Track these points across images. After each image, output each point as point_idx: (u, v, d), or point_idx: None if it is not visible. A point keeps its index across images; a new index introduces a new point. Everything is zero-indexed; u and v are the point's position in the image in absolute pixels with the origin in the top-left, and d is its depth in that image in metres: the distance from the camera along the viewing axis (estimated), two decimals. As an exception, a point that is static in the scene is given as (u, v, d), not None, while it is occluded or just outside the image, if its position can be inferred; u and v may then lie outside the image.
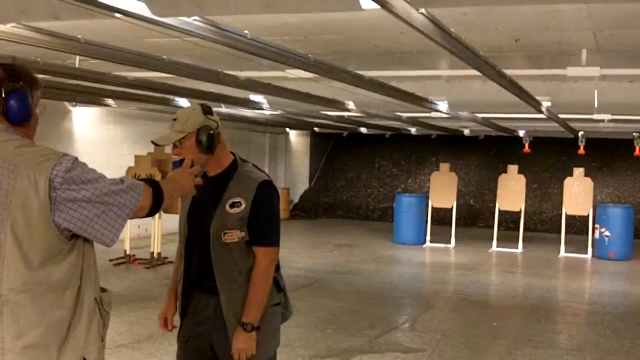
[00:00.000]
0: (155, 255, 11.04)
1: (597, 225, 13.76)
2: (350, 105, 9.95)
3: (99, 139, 13.17)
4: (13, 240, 2.26)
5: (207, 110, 3.21)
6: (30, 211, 2.26)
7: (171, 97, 10.07)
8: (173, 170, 2.93)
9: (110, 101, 10.94)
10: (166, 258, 11.00)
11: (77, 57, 7.04)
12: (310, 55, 5.93)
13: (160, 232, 11.03)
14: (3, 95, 2.38)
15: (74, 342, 2.36)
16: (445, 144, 20.00)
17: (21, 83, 2.43)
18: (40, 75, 6.44)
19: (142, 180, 2.53)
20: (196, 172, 2.88)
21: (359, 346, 6.80)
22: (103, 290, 2.54)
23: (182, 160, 2.94)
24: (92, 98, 10.43)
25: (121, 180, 2.42)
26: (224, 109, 11.76)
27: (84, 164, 2.37)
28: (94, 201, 2.31)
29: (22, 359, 2.27)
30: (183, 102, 10.35)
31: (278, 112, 12.68)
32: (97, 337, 2.45)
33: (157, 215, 10.72)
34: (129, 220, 2.48)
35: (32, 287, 2.28)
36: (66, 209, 2.28)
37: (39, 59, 6.59)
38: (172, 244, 5.02)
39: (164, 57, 6.45)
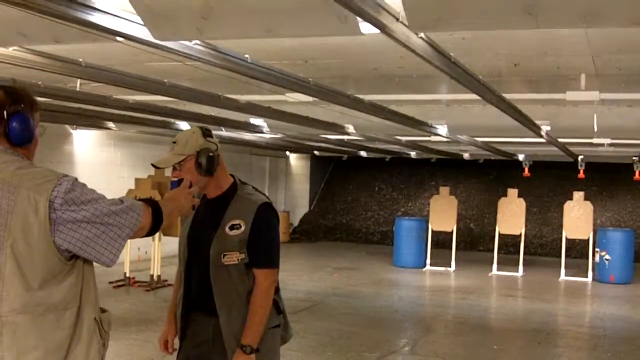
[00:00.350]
0: (155, 277, 11.01)
1: (597, 249, 13.74)
2: (350, 128, 9.98)
3: (99, 161, 13.18)
4: (13, 261, 2.26)
5: (206, 133, 3.22)
6: (30, 232, 2.26)
7: (172, 120, 10.10)
8: (171, 190, 2.94)
9: (110, 124, 10.98)
10: (166, 281, 10.97)
11: (79, 81, 7.08)
12: (310, 79, 5.96)
13: (160, 254, 11.01)
14: (5, 118, 2.40)
15: None
16: (445, 168, 20.03)
17: (22, 105, 2.45)
18: (41, 99, 6.48)
19: (141, 200, 2.54)
20: (194, 193, 2.90)
21: (358, 370, 6.76)
22: (103, 310, 2.54)
23: (180, 181, 2.96)
24: (92, 121, 10.46)
25: (121, 200, 2.43)
26: (224, 132, 11.79)
27: (84, 185, 2.38)
28: (93, 222, 2.32)
29: None
30: (184, 125, 10.38)
31: (278, 136, 12.72)
32: (97, 357, 2.45)
33: (156, 238, 10.73)
34: (128, 243, 2.49)
35: (32, 309, 2.28)
36: (66, 229, 2.29)
37: (40, 82, 6.62)
38: (172, 266, 5.01)
39: (165, 80, 6.48)
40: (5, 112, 2.40)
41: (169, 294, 4.67)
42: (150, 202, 2.53)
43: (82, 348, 2.38)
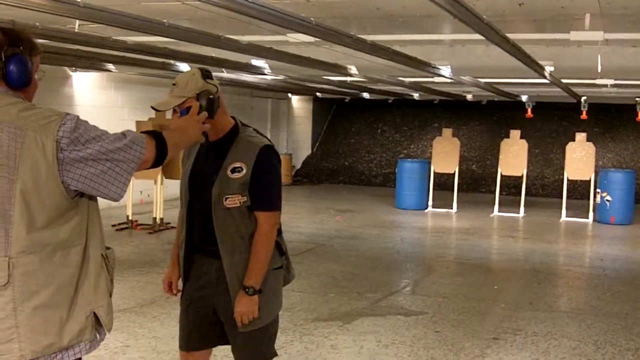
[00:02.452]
0: (157, 220, 11.07)
1: (598, 190, 13.78)
2: (353, 70, 9.90)
3: (99, 104, 13.12)
4: (22, 204, 2.28)
5: (206, 75, 3.18)
6: (38, 174, 2.28)
7: (171, 61, 10.01)
8: (180, 118, 2.93)
9: (110, 66, 10.89)
10: (169, 223, 11.04)
11: (77, 22, 6.99)
12: (312, 19, 5.88)
13: (162, 197, 11.05)
14: (3, 60, 2.38)
15: (83, 299, 2.41)
16: (448, 109, 19.95)
17: (21, 48, 2.42)
18: (40, 40, 6.40)
19: (145, 132, 2.54)
20: (203, 119, 2.87)
21: (360, 309, 6.85)
22: (107, 247, 2.58)
23: (189, 109, 2.92)
24: (92, 63, 10.37)
25: (124, 134, 2.43)
26: (225, 74, 11.70)
27: (86, 122, 2.39)
28: (99, 158, 2.34)
29: (34, 319, 2.31)
30: (184, 66, 10.30)
31: (280, 77, 12.63)
32: (106, 292, 2.50)
33: (158, 181, 10.75)
34: (130, 185, 2.50)
35: (39, 249, 2.31)
36: (74, 168, 2.31)
37: (37, 24, 6.54)
38: (175, 209, 5.02)
39: (164, 21, 6.39)
40: (3, 54, 2.38)
41: (172, 236, 4.69)
42: (153, 134, 2.54)
43: (90, 284, 2.44)
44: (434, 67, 8.99)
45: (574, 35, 6.51)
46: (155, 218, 11.10)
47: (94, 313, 2.45)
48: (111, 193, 2.38)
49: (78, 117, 2.37)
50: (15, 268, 2.29)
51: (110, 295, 2.55)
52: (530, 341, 5.98)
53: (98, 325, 2.47)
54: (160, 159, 2.53)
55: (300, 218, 13.12)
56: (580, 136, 14.28)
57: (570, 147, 14.29)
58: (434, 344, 5.82)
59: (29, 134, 2.28)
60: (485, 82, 12.03)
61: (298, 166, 20.86)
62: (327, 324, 6.28)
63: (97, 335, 2.49)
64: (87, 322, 2.42)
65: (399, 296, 7.59)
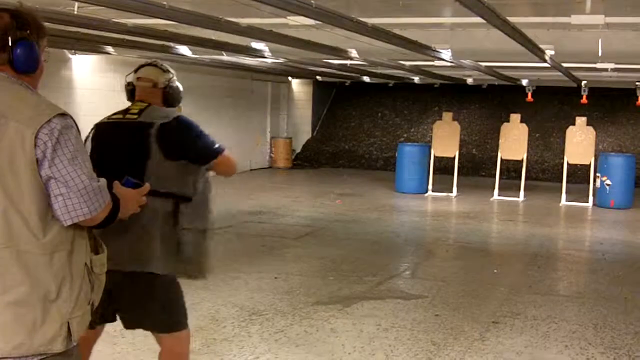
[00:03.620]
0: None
1: (598, 174, 13.78)
2: (353, 53, 9.86)
3: (98, 87, 13.08)
4: (0, 194, 2.22)
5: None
6: (18, 166, 2.21)
7: (171, 44, 9.98)
8: (124, 189, 2.71)
9: (110, 49, 10.85)
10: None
11: (76, 4, 6.95)
12: (312, 2, 5.85)
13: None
14: (10, 44, 2.30)
15: (60, 307, 2.31)
16: (448, 93, 19.91)
17: (28, 31, 2.34)
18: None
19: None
20: (144, 193, 2.82)
21: (360, 293, 6.87)
22: (98, 252, 2.48)
23: (137, 184, 2.82)
24: (91, 46, 10.34)
25: (98, 179, 2.34)
26: (225, 57, 11.67)
27: (75, 135, 2.29)
28: (65, 184, 2.24)
29: (6, 316, 2.24)
30: (184, 49, 10.26)
31: (280, 60, 12.59)
32: (84, 302, 2.40)
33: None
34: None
35: (16, 244, 2.23)
36: (45, 169, 2.23)
37: (37, 6, 6.51)
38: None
39: (164, 3, 6.36)
40: (10, 38, 2.30)
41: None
42: (113, 198, 2.44)
43: (70, 293, 2.33)
44: (435, 51, 8.96)
45: (575, 19, 6.50)
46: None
47: (68, 323, 2.33)
48: (63, 216, 2.27)
49: (70, 123, 2.28)
50: None
51: (90, 303, 2.44)
52: (530, 325, 6.00)
53: (69, 337, 2.35)
54: (106, 223, 2.41)
55: (301, 202, 13.13)
56: (581, 120, 14.26)
57: (570, 131, 14.28)
58: (433, 327, 5.84)
59: (11, 124, 2.21)
60: (486, 66, 11.99)
61: (298, 150, 20.84)
62: (327, 308, 6.29)
63: (65, 347, 2.35)
64: (60, 331, 2.31)
65: (399, 280, 7.61)
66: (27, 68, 2.35)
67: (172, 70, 3.70)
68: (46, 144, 2.21)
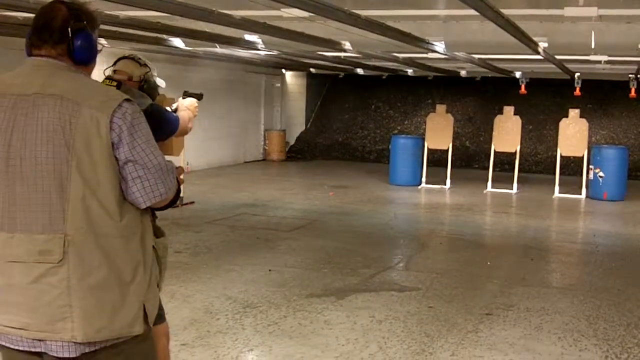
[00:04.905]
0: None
1: (591, 166, 13.81)
2: (347, 45, 9.85)
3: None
4: (79, 180, 2.24)
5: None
6: (94, 151, 2.24)
7: (165, 36, 9.95)
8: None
9: (102, 41, 10.80)
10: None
11: (69, -4, 6.92)
12: (305, -6, 5.84)
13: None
14: (70, 35, 2.33)
15: (137, 289, 2.36)
16: (442, 86, 19.92)
17: (85, 22, 2.38)
18: (29, 15, 6.35)
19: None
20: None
21: (354, 285, 6.88)
22: (159, 235, 2.56)
23: None
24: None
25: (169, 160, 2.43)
26: (218, 49, 11.63)
27: (143, 117, 2.37)
28: (143, 165, 2.32)
29: (88, 300, 2.27)
30: (177, 41, 10.23)
31: (274, 53, 12.56)
32: (155, 284, 2.48)
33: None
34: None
35: (96, 229, 2.26)
36: (121, 151, 2.29)
37: (29, -2, 6.48)
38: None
39: (157, -5, 6.34)
40: (69, 30, 2.33)
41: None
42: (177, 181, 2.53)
43: (144, 275, 2.39)
44: (428, 43, 8.96)
45: (568, 11, 6.49)
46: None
47: (144, 306, 2.39)
48: (139, 199, 2.34)
49: (138, 109, 2.36)
50: (71, 245, 2.24)
51: (158, 286, 2.51)
52: (523, 317, 6.02)
53: (145, 319, 2.41)
54: (172, 203, 2.52)
55: (294, 194, 13.13)
56: (574, 112, 14.29)
57: (563, 124, 14.31)
58: (427, 319, 5.86)
59: (84, 110, 2.24)
60: (479, 58, 12.00)
61: (292, 142, 20.83)
62: (321, 300, 6.31)
63: (143, 330, 2.41)
64: (139, 313, 2.36)
65: (393, 272, 7.62)
66: (86, 59, 2.40)
67: (150, 65, 3.72)
68: (121, 127, 2.27)
